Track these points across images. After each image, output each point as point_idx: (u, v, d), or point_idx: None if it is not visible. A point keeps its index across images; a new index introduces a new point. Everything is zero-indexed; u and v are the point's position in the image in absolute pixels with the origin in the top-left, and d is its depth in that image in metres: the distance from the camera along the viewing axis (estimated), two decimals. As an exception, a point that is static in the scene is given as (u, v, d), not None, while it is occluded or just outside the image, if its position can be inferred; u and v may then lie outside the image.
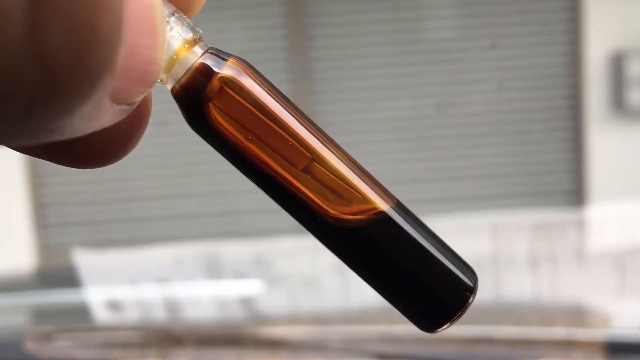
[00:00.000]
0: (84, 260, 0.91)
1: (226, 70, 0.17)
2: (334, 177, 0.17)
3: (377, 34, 2.19)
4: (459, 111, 2.20)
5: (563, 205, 2.20)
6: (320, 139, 0.18)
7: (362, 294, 0.86)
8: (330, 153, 0.18)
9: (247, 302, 0.85)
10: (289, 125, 0.17)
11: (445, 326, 0.18)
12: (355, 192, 0.18)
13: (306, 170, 0.17)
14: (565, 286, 0.84)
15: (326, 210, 0.17)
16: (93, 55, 0.12)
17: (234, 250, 1.08)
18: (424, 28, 2.23)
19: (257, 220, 2.13)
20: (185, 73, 0.17)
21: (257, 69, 0.18)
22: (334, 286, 0.89)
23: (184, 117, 0.18)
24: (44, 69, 0.12)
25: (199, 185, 2.19)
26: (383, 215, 0.18)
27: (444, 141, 2.20)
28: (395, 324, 0.72)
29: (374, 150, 2.14)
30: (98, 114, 0.14)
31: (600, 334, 0.68)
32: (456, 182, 2.19)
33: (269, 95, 0.17)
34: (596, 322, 0.78)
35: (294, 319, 0.82)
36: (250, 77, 0.17)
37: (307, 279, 0.92)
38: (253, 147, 0.17)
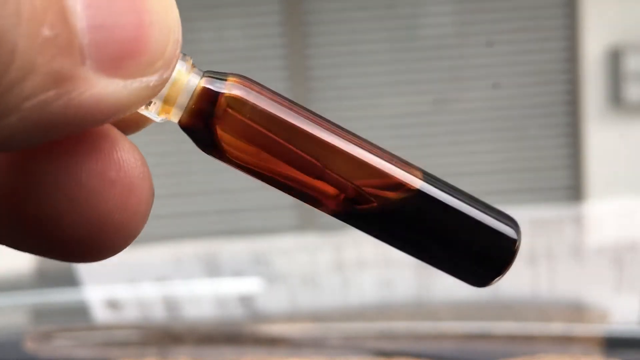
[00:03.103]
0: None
1: (229, 89, 0.17)
2: (354, 172, 0.18)
3: (374, 31, 2.19)
4: (456, 108, 2.20)
5: (561, 201, 2.20)
6: (333, 138, 0.17)
7: (361, 292, 0.86)
8: (347, 151, 0.17)
9: (246, 300, 0.85)
10: (303, 133, 0.17)
11: (497, 279, 0.19)
12: (381, 178, 0.18)
13: (321, 175, 0.17)
14: (563, 282, 0.84)
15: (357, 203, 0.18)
16: None
17: (232, 249, 1.08)
18: (420, 25, 2.23)
19: (255, 218, 2.14)
20: (188, 102, 0.17)
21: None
22: (333, 284, 0.89)
23: (197, 145, 0.17)
24: None
25: (198, 183, 2.19)
26: (416, 192, 0.18)
27: (441, 138, 2.20)
28: (393, 321, 0.72)
29: (372, 147, 2.13)
30: (87, 88, 0.13)
31: (598, 329, 0.68)
32: (453, 179, 2.16)
33: (277, 106, 0.17)
34: (594, 317, 0.78)
35: (293, 317, 0.82)
36: (254, 92, 0.17)
37: (306, 277, 0.92)
38: (272, 162, 0.17)
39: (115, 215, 0.16)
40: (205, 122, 0.17)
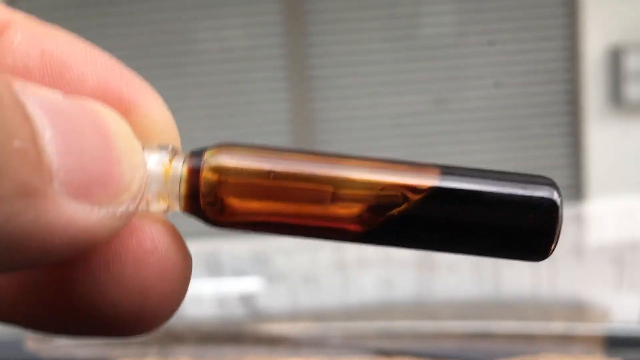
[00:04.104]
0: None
1: (212, 161, 0.17)
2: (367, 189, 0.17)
3: (375, 31, 2.19)
4: (456, 107, 2.20)
5: (561, 201, 2.20)
6: (330, 167, 0.17)
7: (362, 291, 0.86)
8: (349, 174, 0.17)
9: (247, 300, 0.85)
10: (298, 169, 0.17)
11: (552, 247, 0.17)
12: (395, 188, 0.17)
13: (335, 199, 0.17)
14: (563, 281, 0.84)
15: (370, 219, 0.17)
16: None
17: (233, 248, 1.08)
18: (421, 24, 2.23)
19: (256, 218, 2.13)
20: (180, 189, 0.17)
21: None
22: (334, 283, 0.89)
23: (207, 224, 0.17)
24: None
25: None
26: (434, 190, 0.17)
27: (442, 137, 2.20)
28: (394, 320, 0.72)
29: (371, 146, 2.14)
30: (55, 207, 0.13)
31: (599, 328, 0.68)
32: (455, 178, 2.19)
33: (262, 156, 0.17)
34: (595, 316, 0.78)
35: (294, 316, 0.82)
36: (236, 154, 0.17)
37: (307, 276, 0.92)
38: (282, 208, 0.17)
39: (158, 284, 0.17)
40: (201, 199, 0.17)
